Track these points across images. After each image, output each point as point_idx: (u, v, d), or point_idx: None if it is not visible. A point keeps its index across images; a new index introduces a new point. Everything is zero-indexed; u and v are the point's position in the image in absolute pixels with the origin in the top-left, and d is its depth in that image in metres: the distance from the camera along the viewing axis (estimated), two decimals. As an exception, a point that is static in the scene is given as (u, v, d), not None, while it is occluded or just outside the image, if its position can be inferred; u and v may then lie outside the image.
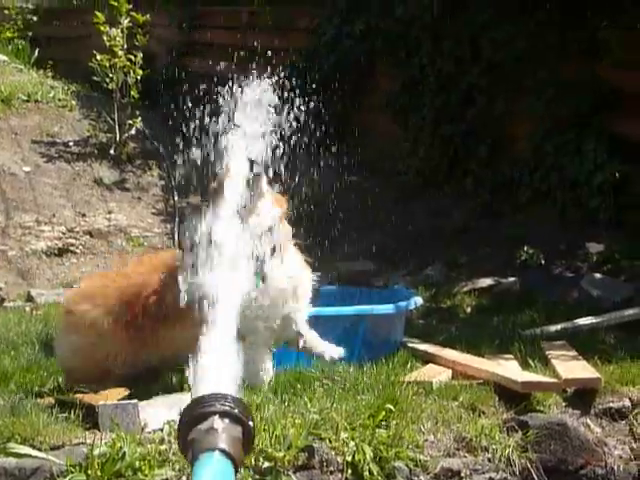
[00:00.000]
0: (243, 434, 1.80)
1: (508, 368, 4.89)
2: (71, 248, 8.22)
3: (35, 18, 13.22)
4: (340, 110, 9.88)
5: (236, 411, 1.79)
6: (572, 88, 8.00)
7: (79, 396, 3.90)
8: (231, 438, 1.77)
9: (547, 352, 5.24)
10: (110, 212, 8.89)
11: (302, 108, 9.64)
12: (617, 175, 7.52)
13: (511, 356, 5.21)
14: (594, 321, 6.14)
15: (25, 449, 3.35)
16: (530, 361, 5.02)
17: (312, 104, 9.74)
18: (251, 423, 1.81)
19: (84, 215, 8.74)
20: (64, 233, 8.40)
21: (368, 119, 9.94)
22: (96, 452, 3.33)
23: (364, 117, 9.96)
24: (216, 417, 1.78)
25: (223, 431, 1.76)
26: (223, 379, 1.93)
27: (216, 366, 1.96)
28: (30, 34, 12.91)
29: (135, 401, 3.77)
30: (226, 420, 1.78)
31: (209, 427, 1.77)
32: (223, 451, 1.74)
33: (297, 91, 10.05)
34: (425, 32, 9.19)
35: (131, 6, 9.78)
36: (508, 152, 8.77)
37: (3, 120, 9.85)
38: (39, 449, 3.39)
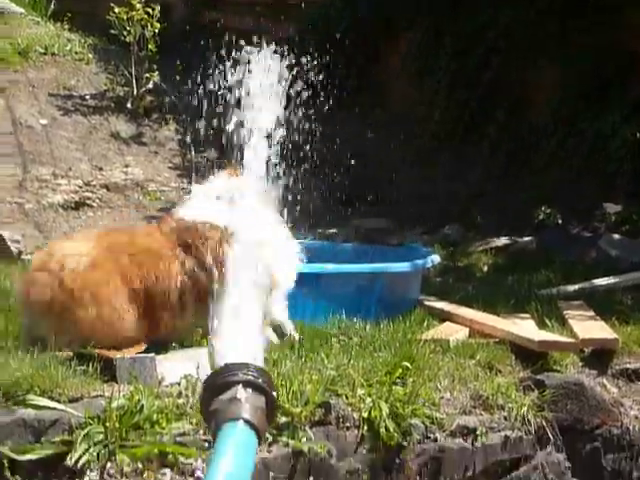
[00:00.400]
0: (266, 404, 1.78)
1: (525, 327, 4.88)
2: (88, 202, 8.22)
3: (52, -31, 13.09)
4: (357, 72, 9.81)
5: (259, 381, 1.77)
6: (591, 53, 7.92)
7: (97, 349, 3.91)
8: (254, 408, 1.75)
9: (564, 312, 5.23)
10: (127, 166, 8.88)
11: (318, 68, 9.61)
12: (635, 140, 7.45)
13: (528, 315, 5.20)
14: (612, 281, 6.11)
15: (44, 401, 3.36)
16: (547, 320, 5.01)
17: (329, 64, 9.73)
18: (274, 393, 1.80)
19: (101, 169, 8.74)
20: (81, 187, 8.39)
21: (385, 81, 9.86)
22: (114, 405, 3.34)
23: (381, 79, 9.88)
24: (239, 387, 1.76)
25: (246, 401, 1.74)
26: (246, 348, 1.92)
27: (238, 335, 1.95)
28: (47, -14, 12.83)
29: (152, 355, 3.78)
30: (249, 390, 1.76)
31: (232, 397, 1.76)
32: (247, 421, 1.73)
33: (313, 50, 10.04)
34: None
35: (149, -42, 9.71)
36: (525, 116, 8.70)
37: (20, 73, 9.82)
38: (58, 401, 3.41)
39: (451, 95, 9.14)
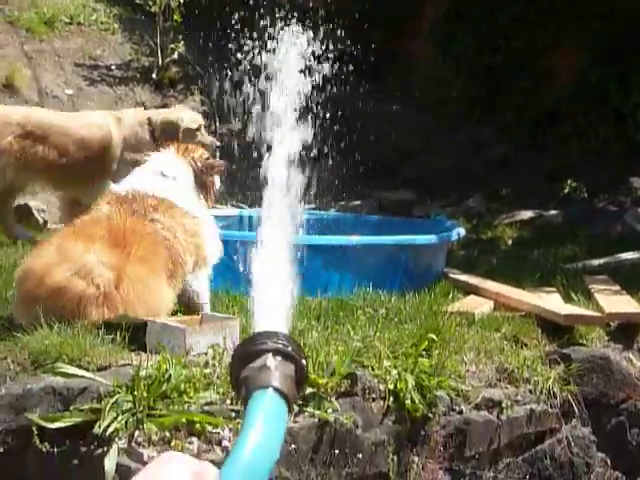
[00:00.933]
0: (295, 372, 1.79)
1: (550, 301, 4.87)
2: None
3: (77, -62, 13.06)
4: (384, 37, 9.76)
5: (289, 349, 1.78)
6: (617, 19, 7.84)
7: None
8: (284, 376, 1.76)
9: (590, 286, 5.22)
10: (152, 136, 8.88)
11: (345, 35, 9.54)
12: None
13: (553, 289, 5.19)
14: (637, 256, 6.09)
15: (73, 369, 3.39)
16: (572, 294, 5.00)
17: (356, 31, 9.67)
18: (304, 361, 1.81)
19: (126, 139, 8.74)
20: (106, 156, 8.41)
21: (412, 47, 9.81)
22: (142, 373, 3.36)
23: (408, 45, 9.84)
24: (269, 355, 1.78)
25: (276, 369, 1.76)
26: (276, 315, 1.93)
27: (268, 302, 1.95)
28: (72, -45, 12.79)
29: (182, 325, 3.80)
30: (278, 358, 1.78)
31: (262, 365, 1.77)
32: (276, 389, 1.74)
33: (340, 17, 9.96)
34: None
35: None
36: (550, 84, 8.63)
37: (46, 42, 9.83)
38: (86, 369, 3.43)
39: (476, 61, 9.08)
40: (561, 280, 5.29)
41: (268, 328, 1.84)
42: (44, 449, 3.17)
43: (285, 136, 2.96)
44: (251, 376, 1.75)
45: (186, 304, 4.26)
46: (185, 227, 4.16)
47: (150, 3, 9.53)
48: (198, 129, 5.95)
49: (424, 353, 3.96)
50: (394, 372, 3.80)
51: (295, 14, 10.42)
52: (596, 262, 6.00)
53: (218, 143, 6.25)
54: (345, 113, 7.14)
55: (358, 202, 7.77)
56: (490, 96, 9.06)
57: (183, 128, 5.85)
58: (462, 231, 5.67)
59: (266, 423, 1.67)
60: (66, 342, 3.53)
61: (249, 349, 1.78)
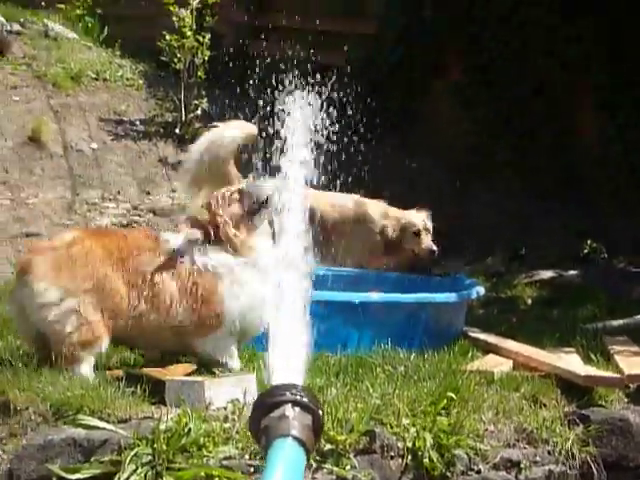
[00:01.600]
0: (313, 422, 1.86)
1: (570, 361, 4.86)
2: (135, 225, 8.32)
3: (104, -4, 13.32)
4: (407, 96, 9.87)
5: (306, 400, 1.86)
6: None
7: (146, 370, 3.97)
8: (302, 425, 1.84)
9: (609, 347, 5.21)
10: (174, 191, 8.98)
11: (368, 95, 9.65)
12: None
13: (572, 349, 5.18)
14: (657, 318, 6.08)
15: (94, 421, 3.42)
16: (592, 355, 4.99)
17: (378, 91, 9.78)
18: (320, 412, 1.88)
19: (148, 193, 8.85)
20: (128, 210, 8.51)
21: (434, 106, 9.91)
22: (162, 427, 3.39)
23: (430, 104, 9.93)
24: (288, 405, 1.86)
25: (294, 419, 1.83)
26: (293, 368, 2.00)
27: (286, 355, 2.03)
28: (99, 12, 13.03)
29: (201, 379, 3.83)
30: (297, 408, 1.85)
31: (281, 415, 1.84)
32: (295, 438, 1.81)
33: (364, 77, 10.09)
34: (495, 21, 9.12)
35: (200, -14, 9.85)
36: (575, 144, 8.69)
37: (72, 97, 9.99)
38: (107, 421, 3.46)
39: (499, 121, 9.15)
40: (580, 340, 5.29)
41: (286, 381, 1.92)
42: (64, 500, 3.19)
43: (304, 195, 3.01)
44: (271, 425, 1.83)
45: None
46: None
47: (175, 60, 9.68)
48: None
49: (443, 412, 3.97)
50: (412, 430, 3.80)
51: (317, 74, 10.62)
52: (616, 323, 5.99)
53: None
54: (365, 171, 7.21)
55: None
56: (513, 153, 9.12)
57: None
58: (481, 289, 5.69)
59: (286, 470, 1.74)
60: (87, 394, 3.57)
61: (269, 400, 1.87)
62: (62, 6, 12.69)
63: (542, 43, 8.72)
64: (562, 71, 8.62)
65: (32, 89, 9.96)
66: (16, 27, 11.40)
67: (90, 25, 12.44)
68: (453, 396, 4.03)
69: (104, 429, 3.39)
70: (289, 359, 2.05)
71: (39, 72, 10.25)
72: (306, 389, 1.91)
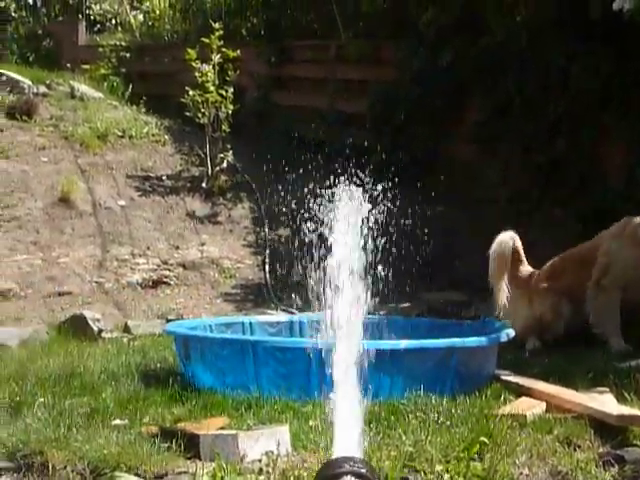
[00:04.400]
0: None
1: (603, 401, 4.84)
2: (165, 280, 8.43)
3: (128, 55, 13.57)
4: (426, 140, 9.94)
5: (364, 471, 2.08)
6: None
7: (181, 425, 4.01)
8: None
9: (643, 385, 5.18)
10: (203, 244, 9.09)
11: (388, 140, 9.73)
12: None
13: (606, 389, 5.16)
14: (691, 354, 6.04)
15: (131, 478, 3.47)
16: (625, 394, 4.97)
17: (398, 134, 9.85)
18: None
19: (177, 247, 8.97)
20: (158, 265, 8.63)
21: (455, 149, 9.97)
22: (198, 482, 3.43)
23: (451, 147, 10.00)
24: (348, 477, 2.06)
25: None
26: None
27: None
28: (123, 70, 13.29)
29: (234, 432, 3.87)
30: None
31: None
32: None
33: (383, 124, 10.17)
34: (513, 61, 9.18)
35: (221, 42, 10.02)
36: (600, 181, 8.68)
37: (99, 156, 10.17)
38: (144, 478, 3.51)
39: (523, 160, 9.17)
40: (614, 379, 5.27)
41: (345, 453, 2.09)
42: None
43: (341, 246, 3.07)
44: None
45: None
46: None
47: (199, 115, 9.84)
48: None
49: (476, 456, 3.97)
50: (446, 476, 3.81)
51: (339, 123, 10.73)
52: (648, 360, 5.96)
53: None
54: (389, 217, 7.26)
55: (407, 304, 7.83)
56: (539, 195, 9.12)
57: None
58: (512, 332, 5.69)
59: None
60: (124, 451, 3.61)
61: (330, 472, 2.07)
62: (87, 67, 12.98)
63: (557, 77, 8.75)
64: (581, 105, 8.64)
65: (60, 149, 10.16)
66: (42, 89, 11.67)
67: (115, 84, 12.71)
68: (486, 440, 4.03)
69: (141, 486, 3.44)
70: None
71: (66, 132, 10.46)
72: (363, 460, 2.17)
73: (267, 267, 8.81)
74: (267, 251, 9.06)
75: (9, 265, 8.26)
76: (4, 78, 11.68)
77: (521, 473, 4.05)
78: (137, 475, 3.52)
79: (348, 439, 2.23)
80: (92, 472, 3.55)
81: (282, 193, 8.73)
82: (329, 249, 3.90)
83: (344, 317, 2.21)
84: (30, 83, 11.66)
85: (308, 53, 11.86)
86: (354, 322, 2.21)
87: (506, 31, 9.14)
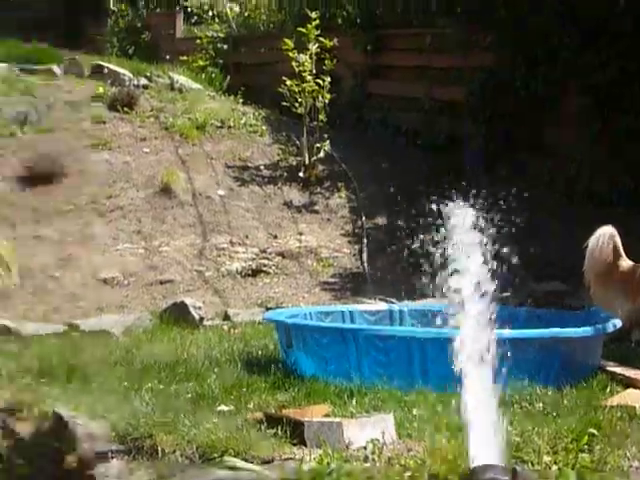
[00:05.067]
0: None
1: None
2: (264, 268, 8.48)
3: (225, 46, 13.69)
4: (524, 127, 9.80)
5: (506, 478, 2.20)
6: None
7: (285, 412, 4.04)
8: None
9: None
10: (300, 234, 9.12)
11: (488, 127, 9.60)
12: None
13: None
14: None
15: (240, 463, 3.51)
16: None
17: (501, 122, 9.72)
18: None
19: (275, 237, 9.02)
20: (257, 254, 8.69)
21: (554, 136, 9.79)
22: (305, 467, 3.45)
23: (549, 134, 9.82)
24: None
25: None
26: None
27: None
28: (221, 62, 13.41)
29: (339, 420, 3.88)
30: None
31: None
32: None
33: (482, 111, 10.03)
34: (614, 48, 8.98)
35: (318, 31, 10.03)
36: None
37: (198, 146, 10.30)
38: (251, 463, 3.54)
39: (626, 151, 8.96)
40: None
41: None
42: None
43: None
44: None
45: None
46: None
47: (296, 105, 9.87)
48: None
49: (585, 448, 3.90)
50: (554, 468, 3.75)
51: (433, 110, 10.65)
52: None
53: None
54: (493, 210, 7.17)
55: (508, 294, 7.72)
56: (636, 187, 8.91)
57: None
58: (618, 323, 5.58)
59: None
60: (232, 436, 3.65)
61: None
62: (185, 58, 13.14)
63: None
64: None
65: (160, 140, 10.32)
66: (143, 81, 11.86)
67: (214, 75, 12.82)
68: (595, 432, 3.96)
69: (250, 470, 3.47)
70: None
71: (166, 123, 10.61)
72: (502, 467, 2.34)
73: (364, 256, 8.80)
74: (365, 240, 9.04)
75: (113, 254, 8.42)
76: (105, 71, 11.91)
77: (631, 466, 3.96)
78: (245, 460, 3.56)
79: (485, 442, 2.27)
80: (201, 456, 3.60)
81: (379, 182, 8.69)
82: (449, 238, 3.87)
83: (473, 307, 2.18)
84: (131, 75, 11.86)
85: (403, 42, 11.78)
86: (483, 311, 2.18)
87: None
